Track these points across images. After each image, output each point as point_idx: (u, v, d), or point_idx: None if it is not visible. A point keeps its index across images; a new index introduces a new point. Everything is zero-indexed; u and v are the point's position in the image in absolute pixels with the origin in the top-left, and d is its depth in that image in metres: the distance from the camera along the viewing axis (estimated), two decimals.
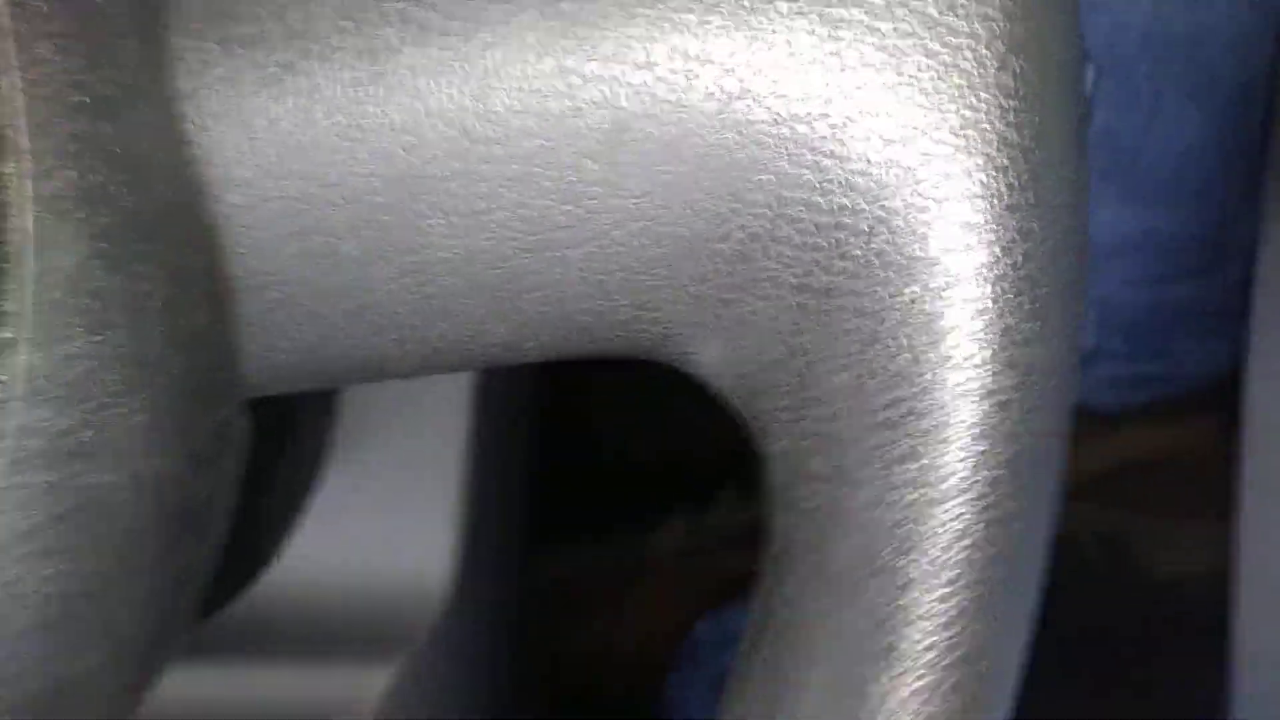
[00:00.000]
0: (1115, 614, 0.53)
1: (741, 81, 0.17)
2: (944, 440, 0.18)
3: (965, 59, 0.17)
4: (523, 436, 0.44)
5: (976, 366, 0.18)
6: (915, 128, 0.17)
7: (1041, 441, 0.18)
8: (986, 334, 0.18)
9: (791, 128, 0.17)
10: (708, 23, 0.17)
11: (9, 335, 0.15)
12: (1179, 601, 0.53)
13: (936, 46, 0.17)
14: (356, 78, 0.17)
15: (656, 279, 0.18)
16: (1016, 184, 0.17)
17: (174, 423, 0.17)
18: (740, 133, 0.17)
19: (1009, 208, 0.17)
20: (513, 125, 0.17)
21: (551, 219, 0.18)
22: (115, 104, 0.16)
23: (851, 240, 0.18)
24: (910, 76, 0.17)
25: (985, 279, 0.18)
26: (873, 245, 0.18)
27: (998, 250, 0.17)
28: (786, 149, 0.17)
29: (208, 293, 0.17)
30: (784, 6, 0.17)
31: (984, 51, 0.17)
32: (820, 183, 0.18)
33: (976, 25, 0.17)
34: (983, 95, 0.17)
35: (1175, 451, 0.54)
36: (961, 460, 0.18)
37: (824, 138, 0.17)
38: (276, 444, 0.38)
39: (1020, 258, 0.18)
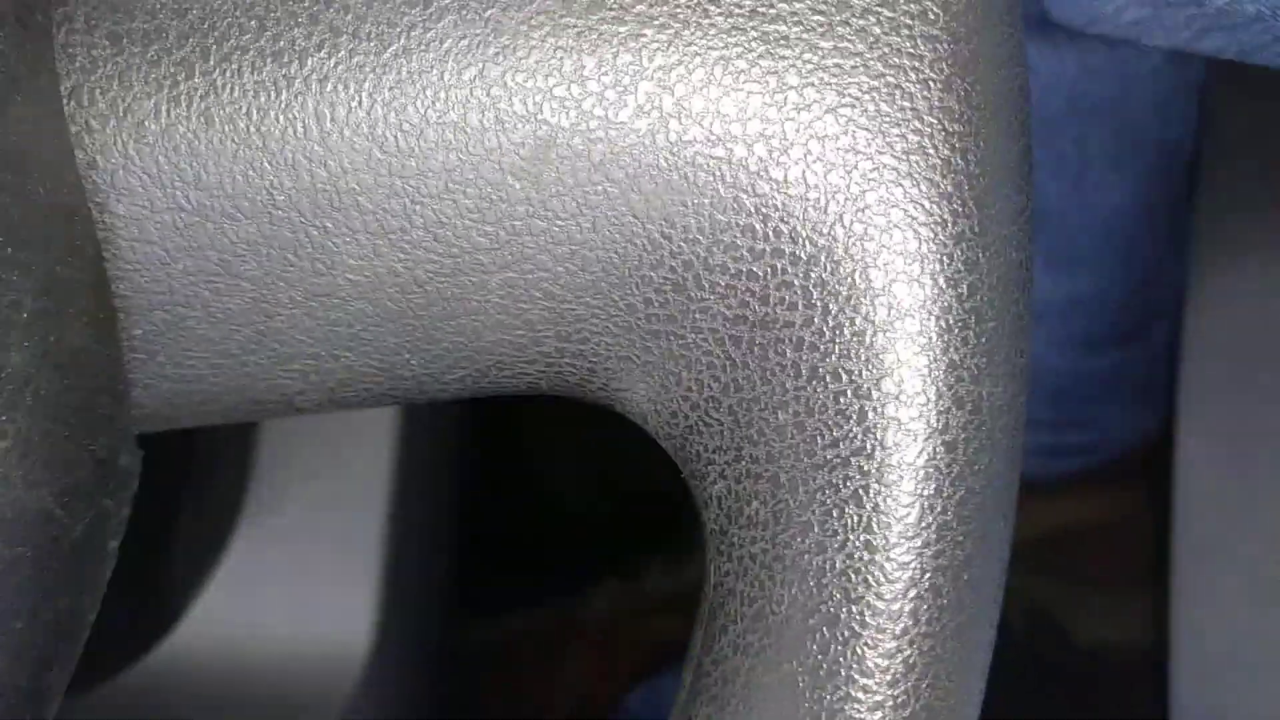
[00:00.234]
0: (1042, 685, 0.52)
1: (676, 99, 0.16)
2: (890, 482, 0.17)
3: (909, 80, 0.17)
4: (448, 493, 0.43)
5: (923, 404, 0.17)
6: (857, 151, 0.17)
7: (991, 484, 0.17)
8: (933, 369, 0.17)
9: (728, 149, 0.17)
10: (641, 36, 0.16)
11: None
12: (1106, 672, 0.53)
13: (880, 67, 0.17)
14: (260, 81, 0.16)
15: (583, 308, 0.17)
16: (961, 212, 0.17)
17: (42, 450, 0.15)
18: (673, 153, 0.17)
19: (954, 237, 0.17)
20: (429, 138, 0.16)
21: (470, 240, 0.17)
22: None
23: (790, 269, 0.17)
24: (852, 98, 0.16)
25: (931, 311, 0.17)
26: (813, 275, 0.17)
27: (943, 281, 0.17)
28: (722, 171, 0.17)
29: (88, 309, 0.16)
30: (721, 22, 0.16)
31: (928, 73, 0.17)
32: (757, 208, 0.17)
33: (921, 45, 0.17)
34: (927, 119, 0.17)
35: (1102, 521, 0.54)
36: (909, 503, 0.17)
37: (762, 160, 0.17)
38: (184, 494, 0.36)
39: (966, 290, 0.17)
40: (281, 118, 0.16)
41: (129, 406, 0.17)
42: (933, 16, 0.17)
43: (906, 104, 0.17)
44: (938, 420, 0.17)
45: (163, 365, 0.17)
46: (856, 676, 0.17)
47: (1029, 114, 0.18)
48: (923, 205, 0.17)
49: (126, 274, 0.16)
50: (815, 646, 0.17)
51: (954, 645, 0.17)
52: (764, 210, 0.17)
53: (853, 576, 0.17)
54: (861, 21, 0.16)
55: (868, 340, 0.17)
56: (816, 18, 0.16)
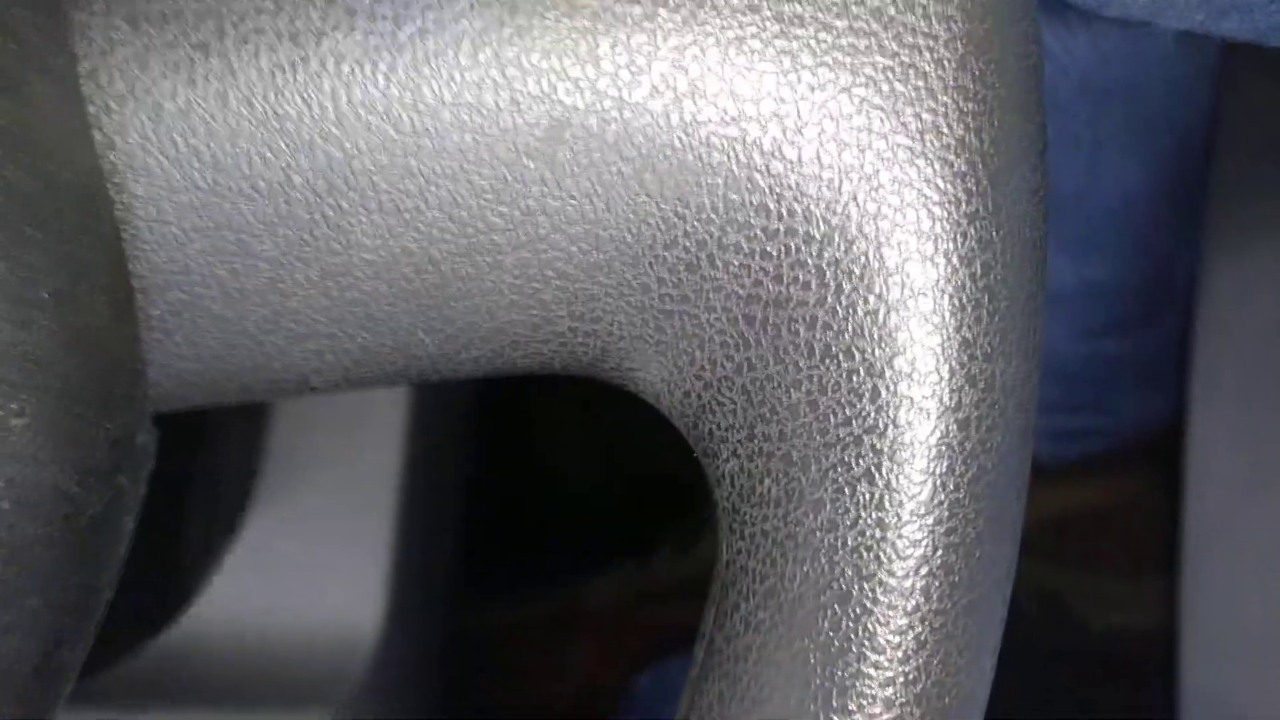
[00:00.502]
0: (1051, 669, 0.52)
1: (690, 79, 0.16)
2: (903, 459, 0.17)
3: (923, 59, 0.16)
4: (457, 478, 0.43)
5: (936, 382, 0.17)
6: (871, 131, 0.16)
7: (1003, 462, 0.17)
8: (946, 347, 0.17)
9: (741, 128, 0.17)
10: (655, 16, 0.16)
11: None
12: (1116, 656, 0.52)
13: (894, 46, 0.16)
14: (276, 62, 0.16)
15: (596, 288, 0.17)
16: (975, 190, 0.17)
17: (61, 429, 0.15)
18: (687, 133, 0.17)
19: (968, 215, 0.17)
20: (444, 118, 0.16)
21: (485, 220, 0.17)
22: (7, 77, 0.15)
23: (804, 249, 0.17)
24: (866, 77, 0.16)
25: (944, 290, 0.17)
26: (826, 254, 0.17)
27: (956, 260, 0.17)
28: (736, 151, 0.17)
29: (105, 289, 0.16)
30: (736, 2, 0.16)
31: (943, 52, 0.17)
32: (771, 187, 0.17)
33: (935, 24, 0.17)
34: (941, 98, 0.17)
35: (1113, 506, 0.54)
36: (921, 480, 0.17)
37: (775, 139, 0.17)
38: (198, 476, 0.37)
39: (980, 268, 0.17)
40: (298, 98, 0.16)
41: (146, 386, 0.17)
42: None
43: (920, 83, 0.16)
44: (950, 398, 0.17)
45: (179, 344, 0.17)
46: (868, 653, 0.17)
47: (1042, 93, 0.18)
48: (936, 184, 0.17)
49: (144, 253, 0.17)
50: (827, 623, 0.17)
51: (965, 622, 0.17)
52: (778, 189, 0.17)
53: (864, 554, 0.17)
54: (876, 1, 0.16)
55: (881, 319, 0.17)
56: None
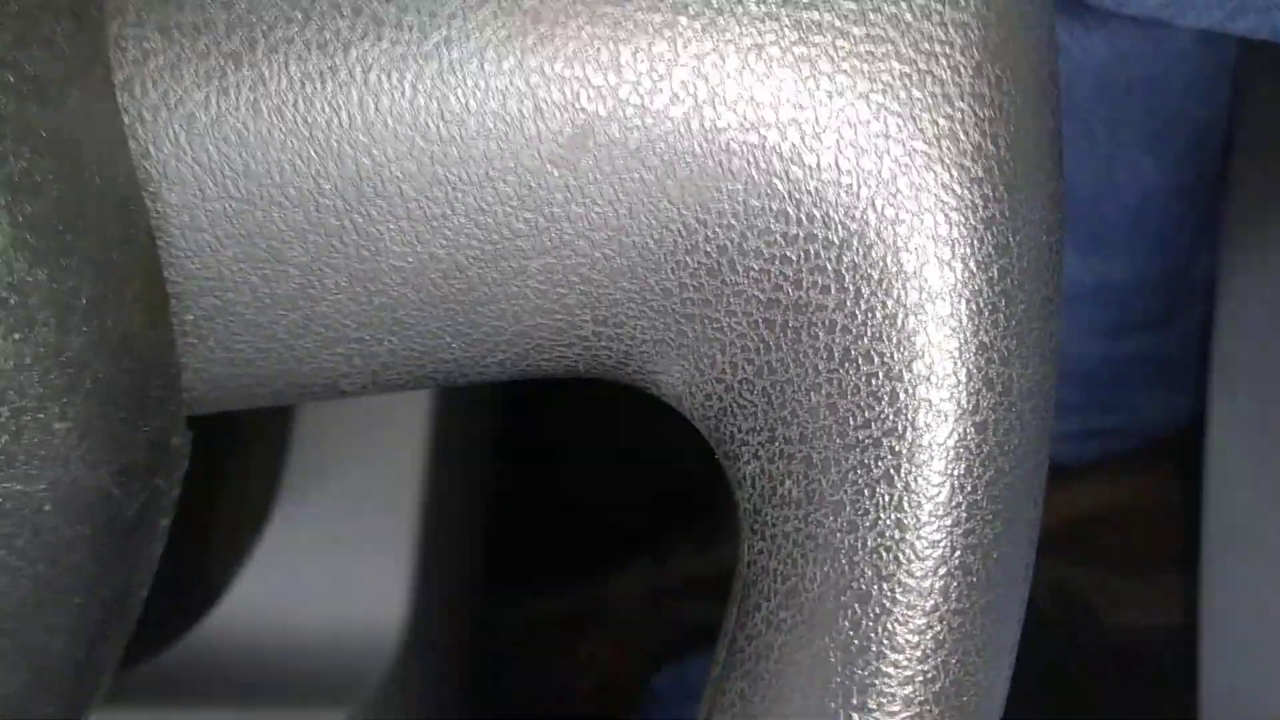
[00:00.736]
0: (1074, 669, 0.52)
1: (709, 85, 0.17)
2: (921, 462, 0.17)
3: (940, 66, 0.17)
4: (480, 475, 0.44)
5: (954, 385, 0.17)
6: (889, 137, 0.17)
7: (1020, 464, 0.18)
8: (963, 351, 0.17)
9: (761, 134, 0.17)
10: (675, 24, 0.17)
11: None
12: (1137, 657, 0.52)
13: (911, 53, 0.17)
14: (306, 72, 0.16)
15: (619, 293, 0.18)
16: (992, 196, 0.17)
17: (101, 432, 0.16)
18: (708, 139, 0.17)
19: (985, 221, 0.17)
20: (470, 126, 0.17)
21: (510, 226, 0.17)
22: (45, 86, 0.15)
23: (823, 253, 0.17)
24: (884, 83, 0.17)
25: (961, 294, 0.17)
26: (845, 259, 0.17)
27: (974, 265, 0.17)
28: (755, 156, 0.17)
29: (141, 295, 0.16)
30: (754, 9, 0.17)
31: (959, 58, 0.17)
32: (790, 193, 0.17)
33: (952, 31, 0.17)
34: (958, 104, 0.17)
35: (1132, 505, 0.54)
36: (939, 482, 0.17)
37: (794, 145, 0.17)
38: (225, 476, 0.37)
39: (997, 273, 0.17)
40: (327, 107, 0.17)
41: (180, 389, 0.17)
42: (964, 3, 0.17)
43: (938, 89, 0.17)
44: (968, 401, 0.17)
45: (213, 349, 0.17)
46: (887, 652, 0.17)
47: (1060, 98, 0.18)
48: (954, 190, 0.17)
49: (178, 260, 0.17)
50: (847, 623, 0.17)
51: (983, 622, 0.18)
52: (797, 195, 0.17)
53: (884, 554, 0.17)
54: (893, 8, 0.17)
55: (899, 323, 0.17)
56: (849, 4, 0.17)
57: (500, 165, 0.17)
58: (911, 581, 0.17)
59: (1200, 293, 0.47)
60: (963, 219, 0.17)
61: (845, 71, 0.17)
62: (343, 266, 0.17)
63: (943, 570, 0.17)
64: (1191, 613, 0.40)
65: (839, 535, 0.17)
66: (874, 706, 0.17)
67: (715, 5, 0.17)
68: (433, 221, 0.17)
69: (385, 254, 0.17)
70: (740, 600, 0.18)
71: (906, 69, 0.17)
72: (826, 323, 0.17)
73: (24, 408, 0.15)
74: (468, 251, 0.17)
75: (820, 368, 0.17)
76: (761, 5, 0.17)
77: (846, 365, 0.17)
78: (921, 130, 0.17)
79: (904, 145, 0.17)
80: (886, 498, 0.17)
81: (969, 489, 0.17)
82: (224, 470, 0.38)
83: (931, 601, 0.17)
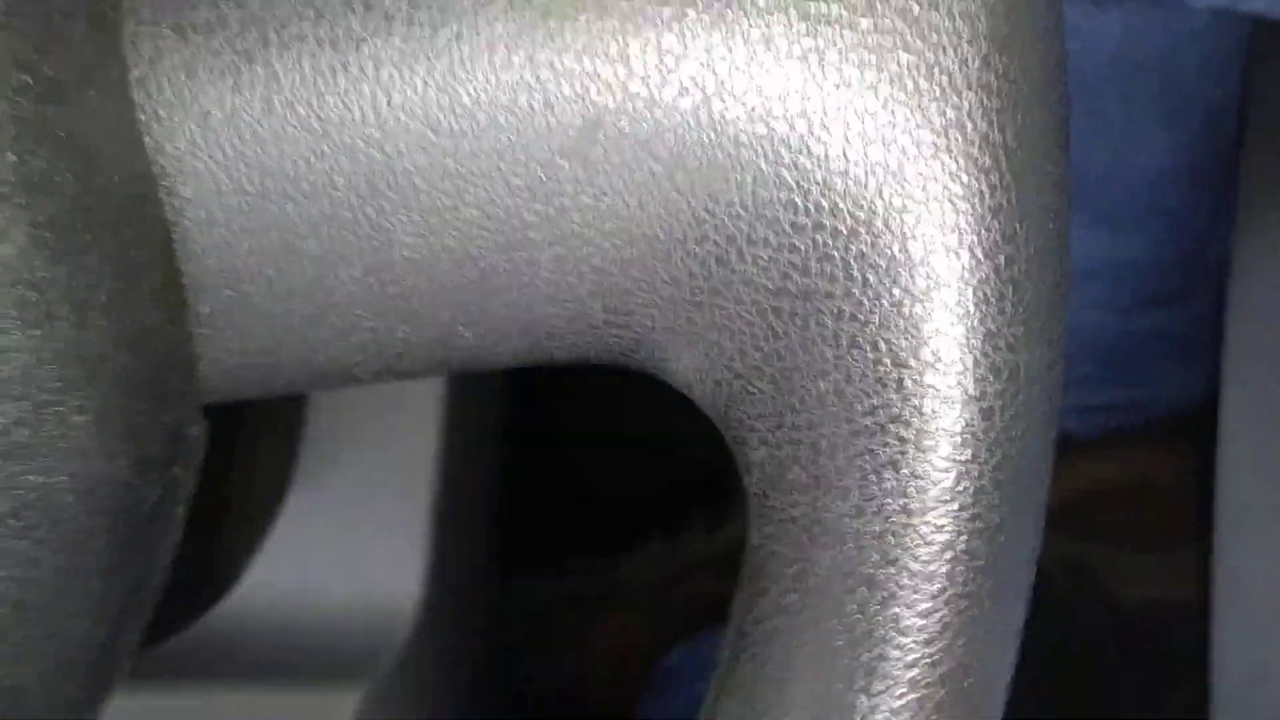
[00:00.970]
0: (1085, 645, 0.52)
1: (718, 77, 0.17)
2: (927, 447, 0.17)
3: (947, 56, 0.17)
4: (493, 458, 0.44)
5: (960, 372, 0.17)
6: (896, 127, 0.17)
7: (1026, 450, 0.18)
8: (970, 339, 0.17)
9: (769, 125, 0.17)
10: (684, 16, 0.17)
11: None
12: (1150, 631, 0.52)
13: (918, 43, 0.17)
14: (318, 68, 0.17)
15: (629, 282, 0.18)
16: (999, 185, 0.17)
17: (119, 424, 0.16)
18: (716, 130, 0.17)
19: (991, 209, 0.17)
20: (481, 120, 0.17)
21: (521, 218, 0.17)
22: (62, 87, 0.16)
23: (830, 242, 0.17)
24: (891, 74, 0.17)
25: (968, 282, 0.17)
26: (852, 248, 0.17)
27: (980, 253, 0.17)
28: (764, 147, 0.17)
29: (158, 289, 0.17)
30: (762, 2, 0.17)
31: (966, 49, 0.17)
32: (798, 183, 0.17)
33: (959, 22, 0.17)
34: (965, 94, 0.17)
35: (1146, 480, 0.54)
36: (945, 468, 0.17)
37: (802, 136, 0.17)
38: (239, 461, 0.37)
39: (1003, 261, 0.17)
40: (340, 103, 0.17)
41: (197, 380, 0.18)
42: None
43: (945, 80, 0.17)
44: (974, 388, 0.17)
45: (229, 340, 0.18)
46: (893, 635, 0.17)
47: (1067, 87, 0.18)
48: (961, 179, 0.17)
49: (194, 255, 0.17)
50: (854, 606, 0.18)
51: (988, 606, 0.18)
52: (805, 185, 0.17)
53: (890, 539, 0.17)
54: (900, 1, 0.17)
55: (906, 310, 0.17)
56: None
57: (511, 158, 0.17)
58: (917, 566, 0.17)
59: (1215, 271, 0.47)
60: (970, 208, 0.17)
61: (853, 63, 0.17)
62: (356, 258, 0.17)
63: (949, 555, 0.17)
64: (1204, 589, 0.41)
65: (846, 520, 0.18)
66: (880, 689, 0.18)
67: None
68: (444, 213, 0.17)
69: (398, 245, 0.17)
70: (748, 584, 0.19)
71: (914, 59, 0.17)
72: (834, 310, 0.17)
73: (44, 401, 0.15)
74: (479, 242, 0.17)
75: (828, 355, 0.17)
76: None
77: (854, 352, 0.17)
78: (929, 120, 0.17)
79: (911, 135, 0.17)
80: (893, 483, 0.17)
81: (975, 474, 0.17)
82: (238, 455, 0.38)
83: (937, 585, 0.17)
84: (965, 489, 0.17)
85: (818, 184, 0.17)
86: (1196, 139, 0.46)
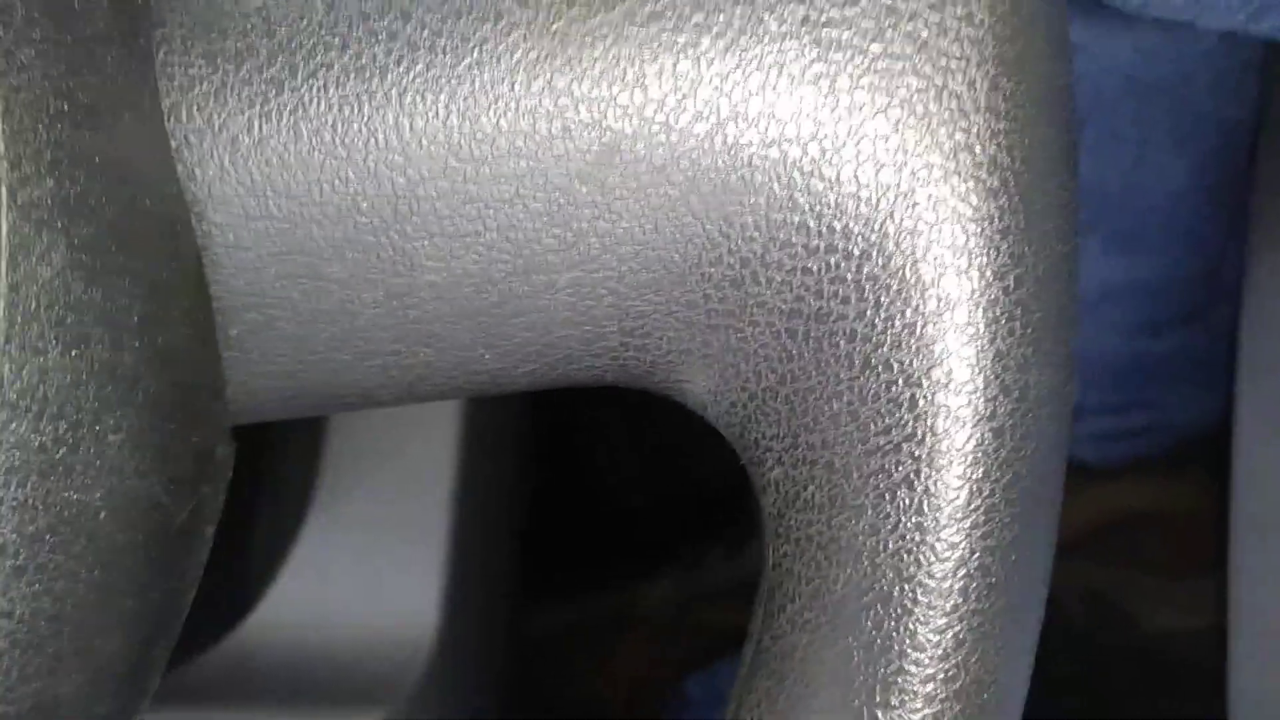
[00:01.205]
0: (1102, 672, 0.52)
1: (732, 103, 0.17)
2: (940, 466, 0.17)
3: (956, 81, 0.17)
4: (511, 482, 0.44)
5: (971, 392, 0.17)
6: (906, 151, 0.17)
7: (1038, 468, 0.18)
8: (980, 359, 0.17)
9: (782, 150, 0.17)
10: (698, 44, 0.17)
11: None
12: (1167, 658, 0.52)
13: (928, 69, 0.17)
14: (344, 95, 0.17)
15: (646, 305, 0.18)
16: (1007, 207, 0.17)
17: (152, 443, 0.16)
18: (731, 155, 0.17)
19: (1000, 231, 0.17)
20: (501, 146, 0.17)
21: (540, 242, 0.18)
22: (97, 113, 0.16)
23: (843, 264, 0.18)
24: (901, 99, 0.17)
25: (978, 303, 0.17)
26: (865, 269, 0.17)
27: (990, 274, 0.17)
28: (777, 172, 0.17)
29: (188, 311, 0.17)
30: (775, 29, 0.17)
31: (974, 74, 0.17)
32: (811, 206, 0.17)
33: (967, 48, 0.17)
34: (973, 118, 0.17)
35: (1162, 506, 0.54)
36: (958, 486, 0.17)
37: (815, 160, 0.17)
38: (259, 483, 0.38)
39: (1012, 282, 0.17)
40: (364, 129, 0.17)
41: (225, 401, 0.18)
42: (979, 20, 0.17)
43: (954, 104, 0.17)
44: (985, 407, 0.17)
45: (256, 362, 0.18)
46: (909, 650, 0.18)
47: (1074, 109, 0.18)
48: (970, 201, 0.17)
49: (223, 278, 0.17)
50: (870, 623, 0.18)
51: (1002, 622, 0.18)
52: (817, 208, 0.17)
53: (905, 556, 0.18)
54: (909, 26, 0.17)
55: (918, 331, 0.17)
56: (866, 23, 0.17)
57: (530, 183, 0.17)
58: (932, 583, 0.18)
59: (1231, 291, 0.47)
60: (979, 230, 0.17)
61: (864, 88, 0.17)
62: (379, 282, 0.18)
63: (962, 572, 0.18)
64: (1222, 614, 0.40)
65: (861, 538, 0.18)
66: (896, 704, 0.18)
67: (737, 25, 0.17)
68: (465, 238, 0.18)
69: (420, 269, 0.18)
70: (766, 602, 0.19)
71: (923, 84, 0.17)
72: (847, 332, 0.18)
73: (80, 421, 0.16)
74: (499, 266, 0.18)
75: (841, 376, 0.18)
76: (782, 25, 0.17)
77: (867, 373, 0.18)
78: (939, 144, 0.17)
79: (922, 159, 0.17)
80: (907, 501, 0.17)
81: (987, 492, 0.18)
82: (259, 476, 0.38)
83: (951, 602, 0.18)
84: (978, 507, 0.18)
85: (830, 207, 0.17)
86: (1210, 159, 0.46)
